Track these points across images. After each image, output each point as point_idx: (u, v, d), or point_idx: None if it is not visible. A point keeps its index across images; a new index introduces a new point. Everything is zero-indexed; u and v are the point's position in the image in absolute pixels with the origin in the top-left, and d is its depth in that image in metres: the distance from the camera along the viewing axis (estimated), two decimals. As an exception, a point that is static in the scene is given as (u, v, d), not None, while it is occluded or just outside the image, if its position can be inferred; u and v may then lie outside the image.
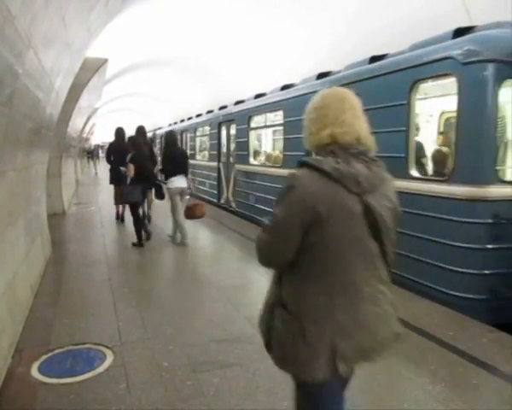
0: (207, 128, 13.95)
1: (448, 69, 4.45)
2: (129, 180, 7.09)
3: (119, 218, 9.71)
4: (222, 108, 13.08)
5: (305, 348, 1.54)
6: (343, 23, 8.51)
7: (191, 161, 10.04)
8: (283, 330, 1.59)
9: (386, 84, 5.30)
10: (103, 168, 25.28)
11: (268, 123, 9.84)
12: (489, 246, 4.21)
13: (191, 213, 7.14)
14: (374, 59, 5.89)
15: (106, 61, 10.23)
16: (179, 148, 8.07)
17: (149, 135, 14.30)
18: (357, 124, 1.63)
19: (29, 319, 4.28)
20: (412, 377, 3.13)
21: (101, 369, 3.30)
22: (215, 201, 12.72)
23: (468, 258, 4.30)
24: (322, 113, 1.65)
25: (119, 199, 8.90)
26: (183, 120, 18.81)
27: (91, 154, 32.44)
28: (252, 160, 10.36)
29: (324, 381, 1.56)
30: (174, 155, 7.24)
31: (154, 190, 8.25)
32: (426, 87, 5.20)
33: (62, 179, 11.14)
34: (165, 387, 3.04)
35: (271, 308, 1.67)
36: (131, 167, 7.00)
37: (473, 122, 4.28)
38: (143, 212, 7.87)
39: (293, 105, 7.71)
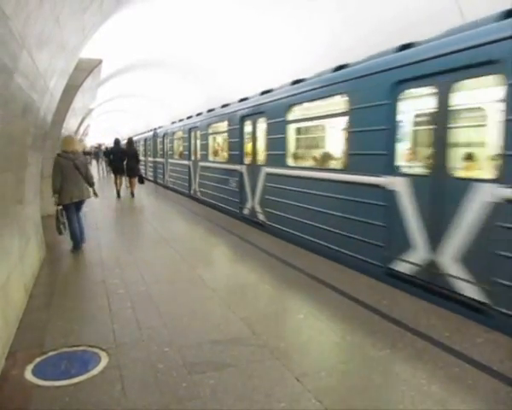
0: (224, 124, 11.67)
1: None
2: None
3: (118, 195, 14.96)
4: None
5: (63, 197, 6.79)
6: (338, 26, 8.54)
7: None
8: (59, 196, 6.80)
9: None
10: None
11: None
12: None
13: None
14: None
15: (100, 61, 10.19)
16: None
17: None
18: (74, 147, 7.15)
19: (23, 320, 4.25)
20: (408, 378, 3.14)
21: (95, 371, 3.28)
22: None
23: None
24: (63, 143, 7.17)
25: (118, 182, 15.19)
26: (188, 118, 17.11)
27: (97, 156, 31.76)
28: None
29: (67, 203, 6.87)
30: None
31: (137, 178, 15.26)
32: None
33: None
34: (161, 389, 3.02)
35: None
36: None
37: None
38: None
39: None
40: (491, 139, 4.53)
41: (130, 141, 16.01)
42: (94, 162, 32.43)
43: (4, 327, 3.63)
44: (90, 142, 48.13)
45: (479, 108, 5.00)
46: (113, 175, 15.82)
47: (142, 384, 3.08)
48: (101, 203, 12.50)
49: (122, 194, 15.20)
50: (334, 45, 8.89)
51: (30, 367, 3.36)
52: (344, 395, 2.97)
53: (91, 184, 7.26)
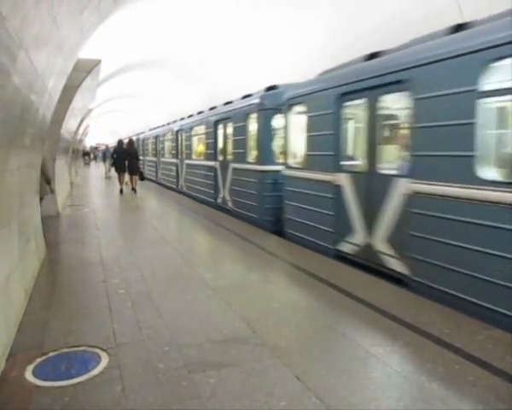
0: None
1: None
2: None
3: (121, 192, 16.33)
4: None
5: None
6: (335, 25, 8.53)
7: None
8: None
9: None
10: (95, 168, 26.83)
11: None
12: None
13: None
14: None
15: (99, 62, 10.17)
16: None
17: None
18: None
19: (23, 321, 4.24)
20: (408, 375, 3.14)
21: (96, 371, 3.28)
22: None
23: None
24: None
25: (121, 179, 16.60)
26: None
27: (104, 156, 31.45)
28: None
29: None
30: None
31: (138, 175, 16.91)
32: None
33: (56, 181, 11.08)
34: (161, 388, 3.02)
35: None
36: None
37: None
38: None
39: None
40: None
41: (130, 141, 17.43)
42: (93, 163, 32.12)
43: (4, 328, 3.63)
44: (90, 142, 48.09)
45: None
46: (114, 174, 17.97)
47: (143, 384, 3.08)
48: (102, 202, 12.51)
49: (124, 190, 16.54)
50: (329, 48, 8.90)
51: (30, 368, 3.35)
52: (345, 393, 2.96)
53: (49, 182, 8.73)
